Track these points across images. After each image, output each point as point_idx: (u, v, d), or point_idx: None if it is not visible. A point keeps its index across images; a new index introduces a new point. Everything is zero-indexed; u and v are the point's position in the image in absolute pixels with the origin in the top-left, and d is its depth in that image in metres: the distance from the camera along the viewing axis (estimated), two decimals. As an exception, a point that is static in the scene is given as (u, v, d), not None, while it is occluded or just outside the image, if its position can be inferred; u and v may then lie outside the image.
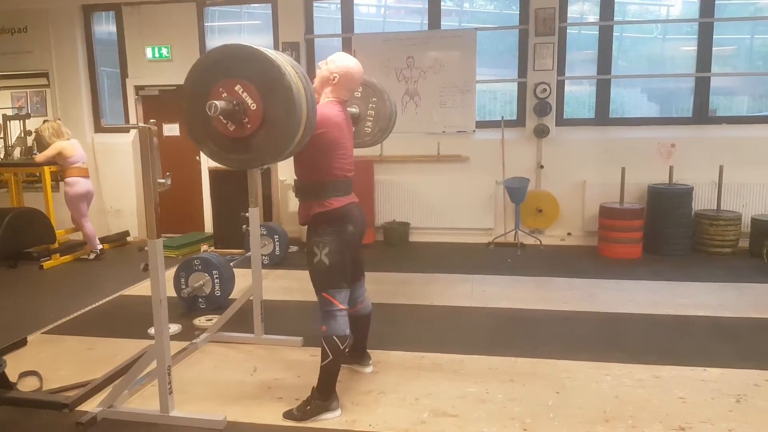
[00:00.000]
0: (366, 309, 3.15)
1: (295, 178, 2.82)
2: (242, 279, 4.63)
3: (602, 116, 6.50)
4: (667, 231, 5.78)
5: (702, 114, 6.32)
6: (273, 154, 2.34)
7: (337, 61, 2.75)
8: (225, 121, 2.26)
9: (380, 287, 4.82)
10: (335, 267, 2.72)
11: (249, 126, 2.25)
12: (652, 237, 5.82)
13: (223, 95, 2.25)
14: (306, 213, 2.78)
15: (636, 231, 5.75)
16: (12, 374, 3.11)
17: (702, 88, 6.29)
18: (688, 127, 6.32)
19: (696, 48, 6.26)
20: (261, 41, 6.93)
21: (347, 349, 2.77)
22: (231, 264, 4.75)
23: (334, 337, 2.67)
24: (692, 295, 4.52)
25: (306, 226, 2.84)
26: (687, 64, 6.45)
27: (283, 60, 2.28)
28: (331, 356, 2.68)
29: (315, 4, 6.82)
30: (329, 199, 2.72)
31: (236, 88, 2.24)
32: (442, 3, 6.63)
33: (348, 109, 3.13)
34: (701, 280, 4.90)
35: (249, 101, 2.23)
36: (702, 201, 6.07)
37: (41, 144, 6.13)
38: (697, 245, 5.85)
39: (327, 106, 2.69)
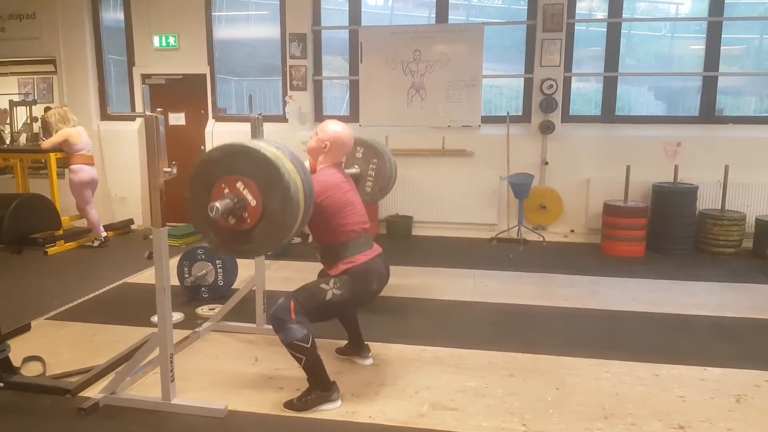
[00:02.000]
0: None
1: (314, 240, 2.88)
2: (245, 269, 4.64)
3: (608, 114, 6.48)
4: (671, 230, 5.78)
5: (709, 113, 6.30)
6: (271, 245, 2.45)
7: (327, 131, 2.87)
8: (225, 216, 2.36)
9: (382, 280, 4.83)
10: (330, 307, 2.74)
11: (248, 221, 2.36)
12: (656, 236, 5.81)
13: (225, 191, 2.35)
14: (332, 269, 2.80)
15: (639, 229, 5.74)
16: (16, 359, 3.14)
17: (709, 88, 6.26)
18: (694, 126, 6.29)
19: (704, 47, 6.23)
20: (268, 32, 6.94)
21: (314, 342, 2.71)
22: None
23: (295, 342, 2.63)
24: (694, 295, 4.52)
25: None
26: (695, 63, 6.42)
27: (283, 156, 2.37)
28: (303, 357, 2.66)
29: (323, -4, 6.81)
30: (354, 256, 2.78)
31: (237, 184, 2.34)
32: (450, -4, 6.61)
33: (349, 170, 3.29)
34: (704, 280, 4.90)
35: (249, 197, 2.34)
36: (706, 200, 6.06)
37: (47, 130, 6.14)
38: (701, 245, 5.84)
39: (324, 173, 2.80)
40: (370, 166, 3.58)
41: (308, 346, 2.65)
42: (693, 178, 5.97)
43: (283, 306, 2.66)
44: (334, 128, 2.88)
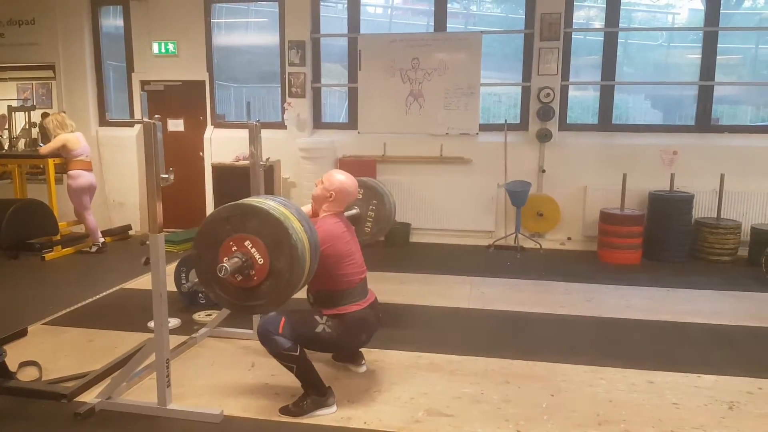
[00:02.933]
0: None
1: (308, 288, 2.88)
2: (242, 275, 4.65)
3: (605, 122, 6.52)
4: (667, 238, 5.80)
5: (705, 122, 6.34)
6: (277, 302, 2.47)
7: (332, 181, 2.93)
8: (233, 274, 2.40)
9: (380, 287, 4.79)
10: (316, 341, 2.77)
11: (255, 278, 2.41)
12: (652, 243, 5.83)
13: (233, 249, 2.40)
14: (326, 311, 2.81)
15: (636, 237, 5.77)
16: (12, 364, 3.14)
17: (705, 97, 6.30)
18: (690, 135, 6.33)
19: (700, 56, 6.27)
20: (267, 39, 6.97)
21: (302, 349, 2.73)
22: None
23: (283, 352, 2.65)
24: (690, 302, 4.54)
25: None
26: (691, 72, 6.47)
27: (291, 215, 2.43)
28: (294, 365, 2.69)
29: (322, 3, 6.85)
30: (346, 306, 2.81)
31: (246, 243, 2.39)
32: (448, 5, 6.65)
33: (349, 212, 3.36)
34: (699, 288, 4.92)
35: (257, 256, 2.39)
36: (702, 209, 6.09)
37: (46, 136, 6.15)
38: (697, 253, 5.86)
39: (327, 222, 2.85)
40: (370, 207, 3.63)
41: (297, 354, 2.67)
42: (689, 186, 6.00)
43: (273, 319, 2.69)
44: (340, 178, 2.94)
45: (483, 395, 2.97)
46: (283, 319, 2.68)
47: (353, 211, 3.53)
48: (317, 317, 2.77)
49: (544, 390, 3.03)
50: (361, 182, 3.58)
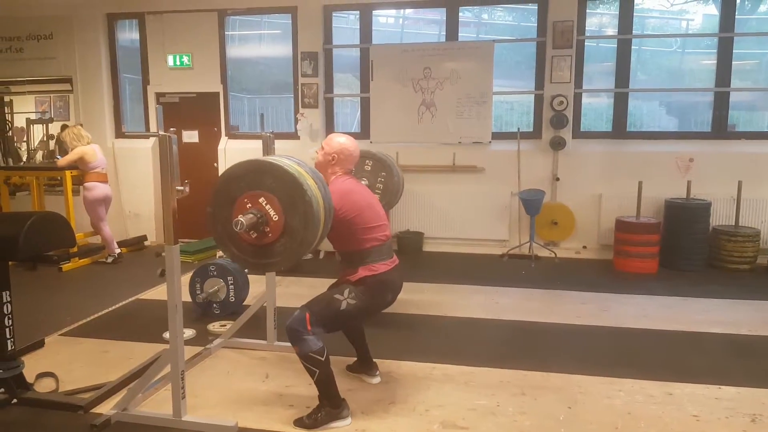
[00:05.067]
0: None
1: (335, 249, 2.91)
2: (256, 285, 4.66)
3: (619, 129, 6.47)
4: (684, 246, 5.73)
5: (721, 129, 6.27)
6: (291, 260, 2.49)
7: (332, 144, 2.94)
8: (248, 231, 2.40)
9: (393, 297, 4.82)
10: (345, 317, 2.78)
11: (270, 235, 2.41)
12: (669, 252, 5.77)
13: (248, 206, 2.40)
14: (352, 275, 2.80)
15: (652, 245, 5.70)
16: (29, 375, 3.17)
17: (721, 103, 6.24)
18: (706, 141, 6.26)
19: (715, 62, 6.22)
20: (280, 51, 7.03)
21: (329, 356, 2.73)
22: (246, 270, 4.79)
23: (311, 354, 2.66)
24: (708, 312, 4.47)
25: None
26: (707, 78, 6.41)
27: (305, 173, 2.42)
28: (317, 370, 2.68)
29: (334, 15, 6.90)
30: (375, 264, 2.80)
31: (260, 200, 2.39)
32: (460, 14, 6.67)
33: None
34: (718, 297, 4.84)
35: (272, 213, 2.39)
36: (720, 216, 6.01)
37: (63, 148, 6.24)
38: (715, 261, 5.78)
39: (337, 182, 2.86)
40: (379, 179, 3.60)
41: (323, 359, 2.67)
42: (706, 193, 5.93)
43: (298, 318, 2.70)
44: (339, 140, 2.94)
45: (498, 407, 2.94)
46: (307, 314, 2.70)
47: (362, 183, 3.49)
48: (338, 296, 2.75)
49: (560, 402, 3.00)
50: (369, 154, 3.58)
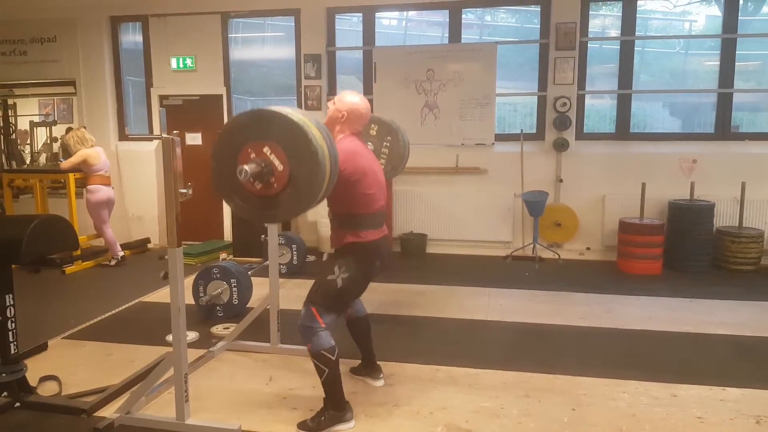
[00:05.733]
0: (359, 312, 3.17)
1: (328, 209, 2.88)
2: (260, 288, 4.67)
3: (623, 131, 6.46)
4: (688, 247, 5.71)
5: (724, 130, 6.26)
6: (297, 211, 2.45)
7: (344, 100, 2.86)
8: (252, 181, 2.36)
9: (397, 298, 4.83)
10: (344, 293, 2.75)
11: (275, 186, 2.35)
12: (673, 253, 5.75)
13: (252, 156, 2.35)
14: (339, 240, 2.81)
15: (656, 247, 5.69)
16: (32, 378, 3.17)
17: (724, 104, 6.22)
18: (710, 142, 6.25)
19: (719, 63, 6.20)
20: (283, 53, 7.04)
21: (338, 357, 2.75)
22: (249, 273, 4.80)
23: (322, 352, 2.67)
24: (712, 313, 4.45)
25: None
26: (710, 79, 6.39)
27: (309, 123, 2.37)
28: (326, 370, 2.68)
29: (337, 17, 6.90)
30: (363, 231, 2.77)
31: (264, 149, 2.34)
32: (463, 16, 6.67)
33: None
34: (722, 298, 4.83)
35: (276, 162, 2.33)
36: (724, 217, 5.99)
37: (66, 151, 6.25)
38: (719, 262, 5.77)
39: (344, 141, 2.79)
40: (384, 143, 3.56)
41: (333, 358, 2.68)
42: (710, 194, 5.91)
43: (306, 315, 2.71)
44: (351, 99, 2.86)
45: (502, 409, 2.93)
46: (313, 309, 2.71)
47: (368, 146, 3.47)
48: (330, 276, 2.74)
49: (564, 404, 2.99)
50: (375, 118, 3.54)
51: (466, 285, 5.26)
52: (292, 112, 2.38)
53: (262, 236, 5.56)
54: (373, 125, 3.58)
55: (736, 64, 6.15)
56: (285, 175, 2.32)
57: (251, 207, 2.44)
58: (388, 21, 7.55)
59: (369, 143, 3.48)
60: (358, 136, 2.89)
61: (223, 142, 2.45)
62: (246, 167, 2.28)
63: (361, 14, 6.86)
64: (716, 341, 3.89)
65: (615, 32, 6.50)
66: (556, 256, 6.25)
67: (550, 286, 5.23)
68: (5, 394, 2.99)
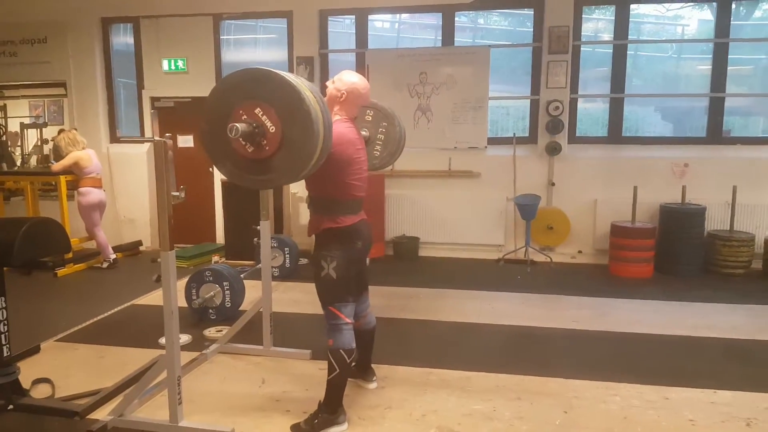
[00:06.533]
0: (369, 324, 3.16)
1: (308, 192, 2.87)
2: (252, 291, 4.66)
3: (615, 135, 6.50)
4: (679, 251, 5.75)
5: (716, 134, 6.31)
6: (290, 176, 2.37)
7: (343, 79, 2.84)
8: (244, 143, 2.30)
9: (389, 301, 4.83)
10: (342, 281, 2.75)
11: (267, 148, 2.29)
12: (664, 257, 5.79)
13: (243, 117, 2.29)
14: (316, 226, 2.81)
15: (647, 250, 5.72)
16: (25, 381, 3.15)
17: (716, 108, 6.28)
18: (701, 146, 6.30)
19: (711, 67, 6.25)
20: (276, 55, 7.03)
21: (354, 363, 2.79)
22: (242, 276, 4.79)
23: (341, 351, 2.70)
24: (704, 316, 4.49)
25: (314, 238, 2.87)
26: (702, 83, 6.45)
27: (302, 84, 2.33)
28: (337, 369, 2.70)
29: (330, 19, 6.91)
30: (341, 216, 2.76)
31: (256, 110, 2.28)
32: (456, 19, 6.69)
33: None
34: (713, 301, 4.86)
35: (268, 124, 2.27)
36: (715, 221, 6.04)
37: (58, 153, 6.22)
38: (710, 266, 5.81)
39: (339, 125, 2.75)
40: (380, 129, 3.55)
41: (348, 361, 2.71)
42: (701, 198, 5.96)
43: (327, 315, 2.78)
44: (351, 79, 2.84)
45: (495, 412, 2.94)
46: (330, 308, 2.75)
47: (363, 133, 3.41)
48: (322, 273, 2.75)
49: (556, 406, 3.00)
50: (371, 104, 3.53)
51: (458, 288, 5.28)
52: (284, 72, 2.33)
53: (255, 239, 5.55)
54: (368, 111, 3.55)
55: (728, 68, 6.20)
56: (277, 136, 2.27)
57: (244, 172, 2.38)
58: (381, 23, 7.56)
59: (364, 130, 3.47)
60: (353, 122, 2.88)
61: (214, 103, 2.38)
62: (237, 125, 2.23)
63: (353, 16, 6.87)
64: (708, 344, 3.91)
65: (608, 36, 6.54)
66: (548, 260, 6.28)
67: (542, 289, 5.25)
68: (-3, 397, 2.97)
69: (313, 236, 2.86)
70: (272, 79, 2.30)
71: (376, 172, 6.42)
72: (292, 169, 2.33)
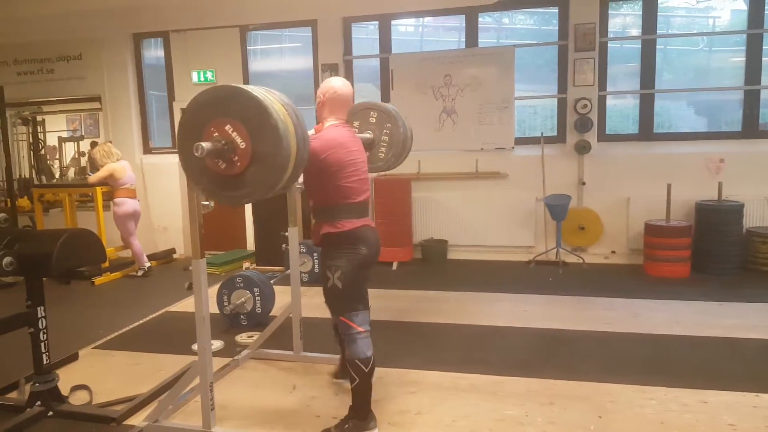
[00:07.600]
0: None
1: (310, 202, 2.89)
2: (282, 296, 4.70)
3: (646, 131, 6.37)
4: (717, 249, 5.59)
5: (752, 128, 6.13)
6: (264, 189, 2.39)
7: (323, 85, 2.93)
8: (216, 160, 2.35)
9: (418, 305, 4.82)
10: (348, 290, 2.75)
11: (239, 164, 2.33)
12: (701, 255, 5.64)
13: (214, 134, 2.33)
14: (318, 233, 2.83)
15: (683, 249, 5.58)
16: (64, 388, 3.25)
17: (751, 101, 6.10)
18: (737, 141, 6.12)
19: (744, 59, 6.08)
20: (301, 63, 7.11)
21: (373, 369, 2.76)
22: (271, 281, 4.84)
23: (356, 361, 2.70)
24: (743, 316, 4.35)
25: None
26: (736, 76, 6.26)
27: (272, 99, 2.36)
28: (357, 379, 2.71)
29: (354, 26, 6.95)
30: (340, 221, 2.75)
31: (226, 127, 2.32)
32: (480, 20, 6.65)
33: (362, 134, 3.29)
34: (753, 301, 4.71)
35: (238, 140, 2.31)
36: (753, 218, 5.85)
37: (94, 165, 6.40)
38: (749, 264, 5.63)
39: (328, 130, 2.81)
40: (384, 131, 3.53)
41: (366, 370, 2.71)
42: (738, 195, 5.79)
43: (340, 326, 2.78)
44: (331, 83, 2.90)
45: (527, 417, 2.91)
46: (341, 318, 2.77)
47: (366, 135, 3.42)
48: (329, 283, 2.75)
49: (590, 411, 2.94)
50: (374, 105, 3.51)
51: (488, 291, 5.23)
52: (255, 88, 2.36)
53: (284, 246, 5.61)
54: (372, 112, 3.54)
55: (763, 59, 6.02)
56: (248, 152, 2.30)
57: (218, 188, 2.41)
58: (404, 28, 7.57)
59: (368, 132, 3.46)
60: (345, 126, 2.90)
61: (187, 122, 2.42)
62: (203, 144, 2.26)
63: (377, 22, 6.89)
64: (748, 346, 3.80)
65: (636, 31, 6.42)
66: (581, 261, 6.18)
67: (574, 291, 5.17)
68: (38, 403, 3.06)
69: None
70: (241, 95, 2.33)
71: (402, 173, 6.48)
72: (266, 183, 2.35)
